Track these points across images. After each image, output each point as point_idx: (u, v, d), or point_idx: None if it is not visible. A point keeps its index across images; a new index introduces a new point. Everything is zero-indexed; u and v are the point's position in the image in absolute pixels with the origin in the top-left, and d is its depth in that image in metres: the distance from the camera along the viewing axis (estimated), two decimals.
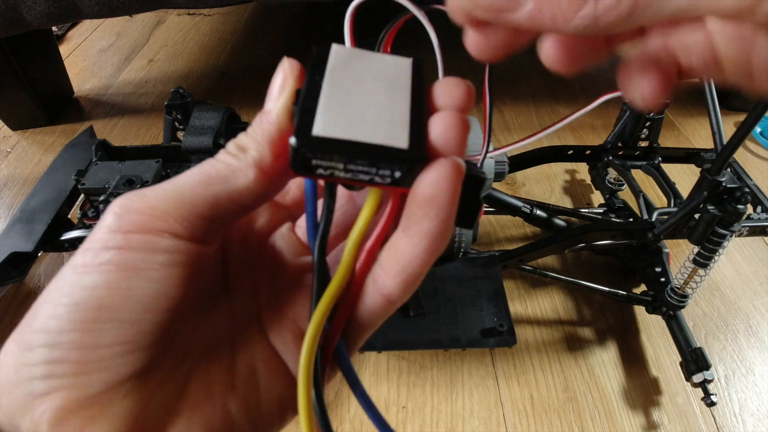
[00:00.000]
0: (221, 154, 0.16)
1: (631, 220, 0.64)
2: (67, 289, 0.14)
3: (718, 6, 0.12)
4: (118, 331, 0.14)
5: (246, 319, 0.18)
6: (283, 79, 0.16)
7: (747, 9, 0.11)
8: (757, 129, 0.90)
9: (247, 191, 0.15)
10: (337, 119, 0.14)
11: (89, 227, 0.54)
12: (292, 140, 0.14)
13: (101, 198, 0.42)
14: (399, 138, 0.14)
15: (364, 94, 0.15)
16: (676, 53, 0.15)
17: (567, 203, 0.77)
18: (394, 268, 0.15)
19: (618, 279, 0.65)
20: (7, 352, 0.14)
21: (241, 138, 0.16)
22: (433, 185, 0.14)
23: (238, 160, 0.16)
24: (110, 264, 0.14)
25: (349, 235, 0.16)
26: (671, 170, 0.67)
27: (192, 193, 0.15)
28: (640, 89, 0.15)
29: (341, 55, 0.16)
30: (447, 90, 0.16)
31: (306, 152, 0.14)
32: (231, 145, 0.16)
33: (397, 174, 0.14)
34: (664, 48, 0.15)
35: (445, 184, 0.14)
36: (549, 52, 0.15)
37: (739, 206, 0.47)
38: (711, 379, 0.49)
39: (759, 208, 0.57)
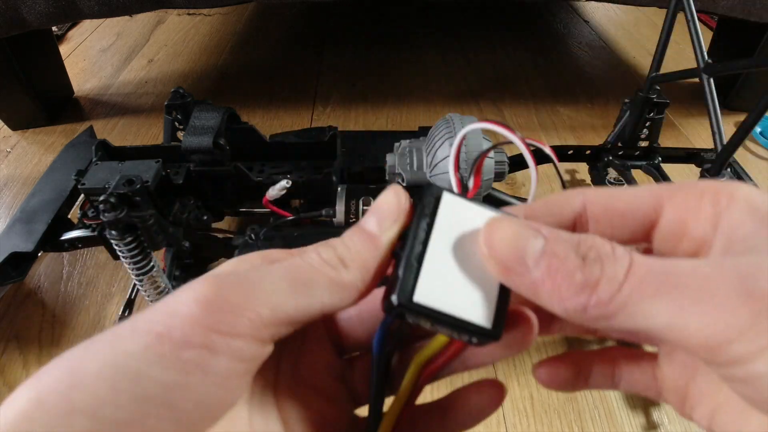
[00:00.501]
0: (320, 263, 0.16)
1: None
2: (135, 376, 0.13)
3: (688, 338, 0.13)
4: (173, 427, 0.13)
5: (263, 403, 0.18)
6: (397, 211, 0.17)
7: (713, 349, 0.13)
8: (757, 129, 0.90)
9: (341, 307, 0.16)
10: (436, 287, 0.16)
11: (89, 227, 0.54)
12: (395, 299, 0.15)
13: (101, 198, 0.42)
14: (485, 316, 0.16)
15: (464, 261, 0.16)
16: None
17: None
18: None
19: None
20: (34, 406, 0.12)
21: (343, 251, 0.16)
22: None
23: (339, 276, 0.16)
24: (190, 364, 0.13)
25: (414, 360, 0.18)
26: (671, 170, 0.67)
27: (289, 301, 0.15)
28: (545, 375, 0.19)
29: (451, 207, 0.17)
30: None
31: (404, 311, 0.15)
32: (331, 255, 0.16)
33: (474, 341, 0.16)
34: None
35: None
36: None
37: None
38: None
39: None
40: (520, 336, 0.17)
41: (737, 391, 0.14)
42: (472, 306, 0.16)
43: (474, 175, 0.19)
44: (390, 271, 0.17)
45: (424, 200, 0.17)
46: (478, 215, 0.17)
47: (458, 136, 0.19)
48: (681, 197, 0.16)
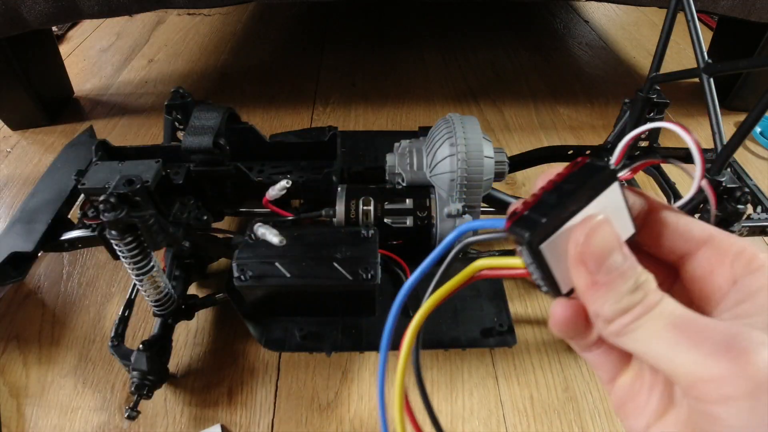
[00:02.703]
0: None
1: None
2: None
3: (673, 369, 0.17)
4: None
5: None
6: None
7: (691, 384, 0.16)
8: (757, 129, 0.90)
9: None
10: (558, 246, 0.18)
11: (89, 227, 0.54)
12: (527, 236, 0.18)
13: (101, 198, 0.42)
14: (567, 285, 0.20)
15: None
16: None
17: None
18: None
19: None
20: None
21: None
22: None
23: None
24: None
25: (474, 263, 0.20)
26: (671, 170, 0.67)
27: None
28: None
29: (611, 193, 0.19)
30: None
31: (526, 248, 0.18)
32: None
33: (544, 290, 0.20)
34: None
35: None
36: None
37: (739, 206, 0.47)
38: None
39: (759, 208, 0.57)
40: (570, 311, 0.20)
41: (695, 422, 0.17)
42: (565, 272, 0.19)
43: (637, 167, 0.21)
44: (531, 199, 0.19)
45: (597, 175, 0.18)
46: (615, 211, 0.19)
47: (638, 130, 0.21)
48: (711, 251, 0.20)
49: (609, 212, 0.18)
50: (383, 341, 0.21)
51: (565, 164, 0.20)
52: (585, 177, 0.18)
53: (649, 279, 0.18)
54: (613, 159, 0.20)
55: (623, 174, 0.19)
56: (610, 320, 0.18)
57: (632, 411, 0.20)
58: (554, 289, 0.19)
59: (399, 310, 0.21)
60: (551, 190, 0.19)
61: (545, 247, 0.18)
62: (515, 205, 0.19)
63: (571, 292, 0.19)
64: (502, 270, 0.20)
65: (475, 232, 0.21)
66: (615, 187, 0.18)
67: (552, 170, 0.20)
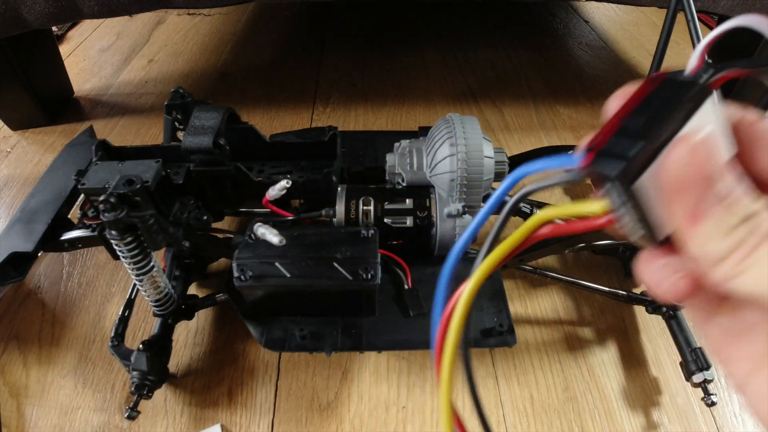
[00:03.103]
0: None
1: None
2: None
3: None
4: None
5: None
6: None
7: None
8: None
9: None
10: (653, 179, 0.15)
11: (89, 227, 0.54)
12: (615, 173, 0.15)
13: (101, 198, 0.42)
14: (665, 228, 0.17)
15: None
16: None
17: (567, 203, 0.77)
18: None
19: (618, 279, 0.65)
20: None
21: None
22: None
23: None
24: None
25: (537, 215, 0.18)
26: None
27: None
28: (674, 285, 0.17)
29: (707, 110, 0.15)
30: None
31: (613, 187, 0.15)
32: None
33: (639, 234, 0.17)
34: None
35: None
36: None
37: None
38: (711, 379, 0.49)
39: None
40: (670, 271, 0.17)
41: None
42: (662, 213, 0.16)
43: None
44: (607, 128, 0.16)
45: (684, 91, 0.15)
46: (714, 130, 0.16)
47: (719, 29, 0.17)
48: None
49: (708, 132, 0.15)
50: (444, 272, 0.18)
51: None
52: (670, 95, 0.15)
53: (763, 206, 0.14)
54: (690, 66, 0.16)
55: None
56: (716, 262, 0.14)
57: (732, 354, 0.17)
58: (650, 236, 0.16)
59: (456, 261, 0.18)
60: (633, 113, 0.15)
61: (637, 185, 0.15)
62: (589, 137, 0.16)
63: (668, 240, 0.16)
64: (575, 222, 0.17)
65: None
66: (710, 103, 0.15)
67: (625, 90, 0.17)
